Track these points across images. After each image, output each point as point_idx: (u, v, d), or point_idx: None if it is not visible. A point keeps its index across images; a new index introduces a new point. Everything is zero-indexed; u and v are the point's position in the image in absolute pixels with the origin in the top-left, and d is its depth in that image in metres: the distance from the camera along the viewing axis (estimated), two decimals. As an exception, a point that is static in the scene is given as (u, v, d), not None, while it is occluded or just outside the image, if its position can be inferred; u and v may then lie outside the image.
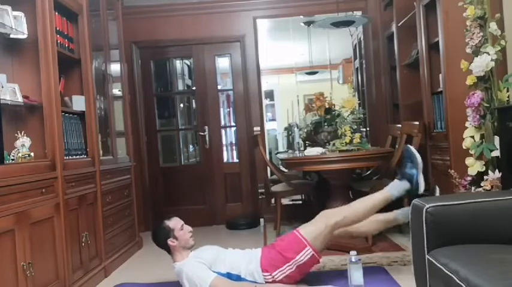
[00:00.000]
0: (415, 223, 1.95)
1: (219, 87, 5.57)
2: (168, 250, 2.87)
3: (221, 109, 5.59)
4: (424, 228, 1.87)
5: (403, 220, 2.98)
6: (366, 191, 3.83)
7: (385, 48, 5.06)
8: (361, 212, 2.91)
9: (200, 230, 4.70)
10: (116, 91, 4.22)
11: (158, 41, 5.36)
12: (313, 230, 2.79)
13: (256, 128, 5.33)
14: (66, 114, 3.16)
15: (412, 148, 3.08)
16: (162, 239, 2.86)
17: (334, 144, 3.89)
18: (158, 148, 5.52)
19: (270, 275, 2.70)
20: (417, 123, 3.82)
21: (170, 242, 2.83)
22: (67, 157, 3.03)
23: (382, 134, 5.03)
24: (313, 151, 3.75)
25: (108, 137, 3.89)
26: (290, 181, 4.53)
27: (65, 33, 3.24)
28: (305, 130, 4.60)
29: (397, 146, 4.14)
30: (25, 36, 2.79)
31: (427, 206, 1.88)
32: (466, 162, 2.96)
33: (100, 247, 3.42)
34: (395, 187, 2.96)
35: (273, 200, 4.69)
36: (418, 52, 3.98)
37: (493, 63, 2.79)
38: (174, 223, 2.89)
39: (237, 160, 5.54)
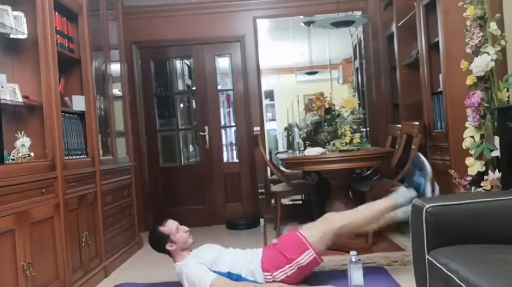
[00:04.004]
0: (415, 223, 1.95)
1: (219, 87, 5.57)
2: (168, 253, 2.87)
3: (221, 109, 5.59)
4: (424, 228, 1.87)
5: (402, 217, 2.93)
6: (366, 191, 3.83)
7: (385, 48, 5.06)
8: (367, 219, 2.89)
9: (200, 230, 4.70)
10: (116, 91, 4.22)
11: (158, 41, 5.36)
12: (316, 232, 2.78)
13: (256, 128, 5.33)
14: (66, 114, 3.16)
15: (422, 157, 3.01)
16: (160, 246, 2.85)
17: (334, 144, 3.89)
18: (158, 148, 5.52)
19: (271, 275, 2.70)
20: (417, 123, 3.81)
21: (169, 247, 2.82)
22: (67, 157, 3.03)
23: (382, 134, 5.03)
24: (313, 151, 3.75)
25: (108, 137, 3.89)
26: (290, 181, 4.53)
27: (65, 33, 3.24)
28: (305, 130, 4.60)
29: (397, 146, 4.14)
30: (25, 36, 2.79)
31: (427, 206, 1.88)
32: (466, 162, 2.96)
33: (100, 247, 3.42)
34: (402, 195, 2.91)
35: (273, 200, 4.69)
36: (418, 52, 3.98)
37: (493, 63, 2.79)
38: (169, 227, 2.85)
39: (237, 160, 5.53)
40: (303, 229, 2.86)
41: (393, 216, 2.98)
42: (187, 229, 2.89)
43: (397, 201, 2.91)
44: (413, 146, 3.82)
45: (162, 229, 2.85)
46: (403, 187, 2.99)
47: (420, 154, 3.11)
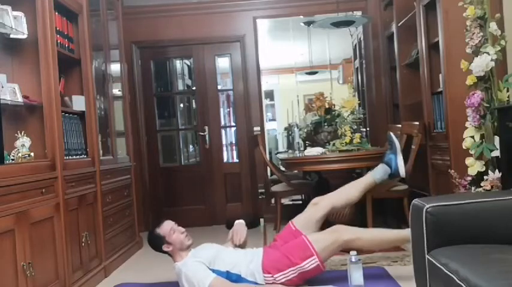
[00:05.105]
0: (415, 223, 1.95)
1: (219, 87, 5.57)
2: (168, 253, 2.88)
3: (221, 109, 5.59)
4: (424, 228, 1.87)
5: (380, 179, 3.23)
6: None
7: (385, 48, 5.06)
8: (374, 241, 2.94)
9: (200, 230, 4.70)
10: (116, 91, 4.22)
11: (158, 41, 5.36)
12: (322, 240, 2.79)
13: (256, 128, 5.33)
14: (66, 114, 3.15)
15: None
16: (157, 247, 2.87)
17: (334, 144, 3.90)
18: (158, 147, 5.52)
19: (272, 276, 2.70)
20: (417, 123, 3.82)
21: (165, 248, 2.83)
22: (67, 157, 3.03)
23: (382, 134, 5.02)
24: (313, 151, 3.76)
25: (108, 137, 3.89)
26: (290, 181, 4.53)
27: (65, 33, 3.24)
28: (305, 130, 4.60)
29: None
30: (25, 36, 2.79)
31: (427, 206, 1.87)
32: (466, 162, 2.96)
33: (100, 247, 3.41)
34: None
35: (273, 200, 4.69)
36: (418, 52, 3.99)
37: (493, 63, 2.79)
38: (164, 229, 2.86)
39: (237, 160, 5.53)
40: (310, 234, 2.87)
41: (372, 182, 3.25)
42: (183, 229, 2.89)
43: (374, 178, 3.23)
44: (413, 146, 3.82)
45: (158, 230, 2.87)
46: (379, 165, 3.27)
47: (389, 132, 3.40)
